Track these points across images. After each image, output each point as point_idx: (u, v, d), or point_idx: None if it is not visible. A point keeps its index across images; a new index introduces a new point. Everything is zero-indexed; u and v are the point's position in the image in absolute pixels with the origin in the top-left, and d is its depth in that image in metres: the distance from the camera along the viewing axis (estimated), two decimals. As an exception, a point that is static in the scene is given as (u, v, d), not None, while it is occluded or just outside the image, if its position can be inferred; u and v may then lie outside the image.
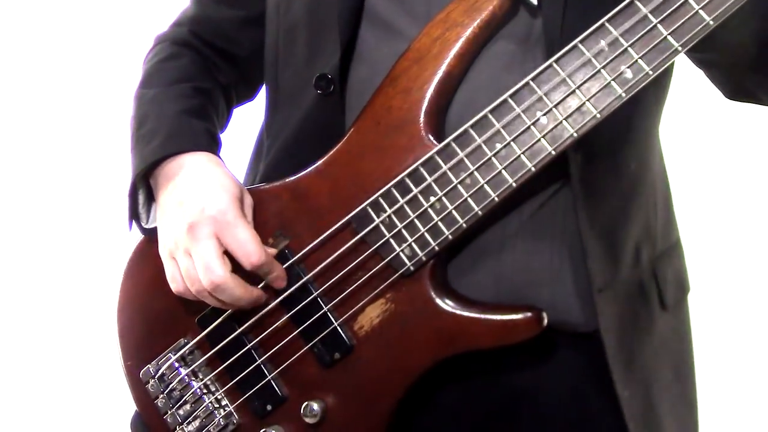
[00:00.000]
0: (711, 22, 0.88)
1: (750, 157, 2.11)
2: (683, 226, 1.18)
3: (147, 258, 1.08)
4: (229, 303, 0.99)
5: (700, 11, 0.88)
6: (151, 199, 1.08)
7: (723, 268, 2.10)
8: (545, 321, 0.95)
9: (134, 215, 1.07)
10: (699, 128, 1.92)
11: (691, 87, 1.22)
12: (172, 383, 1.05)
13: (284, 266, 0.99)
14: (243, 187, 1.03)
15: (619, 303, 1.03)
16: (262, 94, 1.21)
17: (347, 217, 0.98)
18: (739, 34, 1.00)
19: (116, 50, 2.25)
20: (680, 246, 1.17)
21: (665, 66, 0.90)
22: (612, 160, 1.03)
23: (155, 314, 1.07)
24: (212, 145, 1.06)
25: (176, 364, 1.05)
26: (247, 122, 1.25)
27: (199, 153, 1.04)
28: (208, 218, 0.98)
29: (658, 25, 0.89)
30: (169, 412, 1.05)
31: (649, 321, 1.08)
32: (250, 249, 0.97)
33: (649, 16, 0.90)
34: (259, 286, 1.00)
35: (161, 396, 1.05)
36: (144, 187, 1.08)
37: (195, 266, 0.97)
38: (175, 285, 1.00)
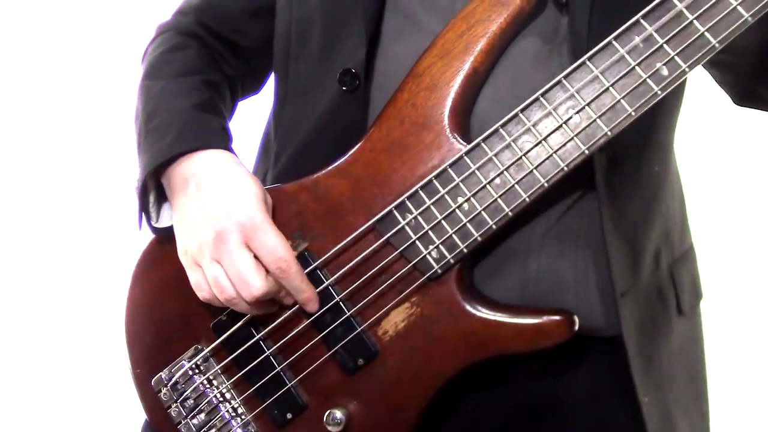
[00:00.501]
0: (749, 18, 0.86)
1: (757, 162, 2.11)
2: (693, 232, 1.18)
3: (157, 261, 1.04)
4: (263, 312, 0.96)
5: (738, 7, 0.86)
6: (162, 197, 1.04)
7: (732, 275, 2.10)
8: (577, 325, 0.92)
9: (144, 213, 1.03)
10: (707, 133, 1.91)
11: (702, 91, 1.21)
12: (186, 391, 1.01)
13: (306, 270, 0.96)
14: (263, 186, 1.00)
15: (640, 307, 1.01)
16: (268, 87, 1.17)
17: (371, 221, 0.94)
18: (753, 36, 0.99)
19: (118, 42, 2.19)
20: (693, 251, 1.16)
21: (702, 63, 0.88)
22: (637, 163, 1.01)
23: (167, 319, 1.03)
24: (227, 142, 1.02)
25: (190, 372, 1.01)
26: (249, 115, 1.21)
27: (214, 150, 0.99)
28: (236, 224, 0.94)
29: (695, 21, 0.87)
30: (183, 422, 1.01)
31: (667, 326, 1.07)
32: (280, 255, 0.94)
33: (685, 12, 0.88)
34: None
35: (174, 405, 1.01)
36: (154, 185, 1.03)
37: (228, 276, 0.93)
38: (201, 293, 0.96)
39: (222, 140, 1.01)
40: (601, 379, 1.03)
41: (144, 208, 1.03)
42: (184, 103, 1.03)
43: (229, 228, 0.93)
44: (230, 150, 1.01)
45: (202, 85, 1.06)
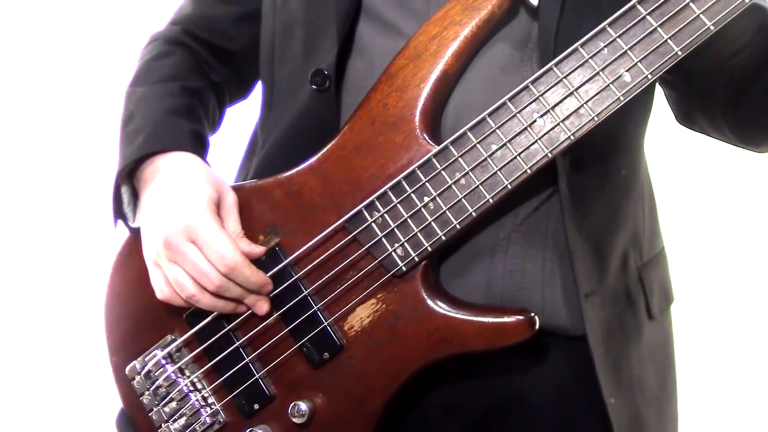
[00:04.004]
0: (711, 27, 0.88)
1: (731, 167, 2.11)
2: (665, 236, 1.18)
3: (135, 254, 1.06)
4: (228, 303, 0.98)
5: (701, 16, 0.88)
6: (136, 197, 1.06)
7: (705, 279, 2.11)
8: (537, 324, 0.94)
9: (120, 213, 1.06)
10: (679, 137, 1.91)
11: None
12: (158, 380, 1.03)
13: (277, 266, 0.98)
14: (223, 186, 1.02)
15: (606, 309, 1.02)
16: (257, 92, 1.19)
17: (341, 221, 0.96)
18: (697, 62, 1.00)
19: (108, 47, 2.23)
20: (665, 255, 1.17)
21: (664, 70, 0.89)
22: (603, 166, 1.02)
23: (143, 310, 1.06)
24: (195, 145, 1.04)
25: (163, 361, 1.03)
26: (242, 121, 1.23)
27: (179, 153, 1.02)
28: (183, 227, 0.96)
29: (659, 29, 0.89)
30: (155, 410, 1.04)
31: (636, 329, 1.08)
32: (227, 255, 0.95)
33: (649, 19, 0.89)
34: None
35: (147, 393, 1.04)
36: (129, 186, 1.06)
37: (187, 273, 0.96)
38: (161, 293, 0.99)
39: (190, 144, 1.03)
40: (567, 378, 1.04)
41: (118, 208, 1.05)
42: (158, 108, 1.06)
43: (177, 231, 0.96)
44: (199, 153, 1.03)
45: (180, 90, 1.09)
